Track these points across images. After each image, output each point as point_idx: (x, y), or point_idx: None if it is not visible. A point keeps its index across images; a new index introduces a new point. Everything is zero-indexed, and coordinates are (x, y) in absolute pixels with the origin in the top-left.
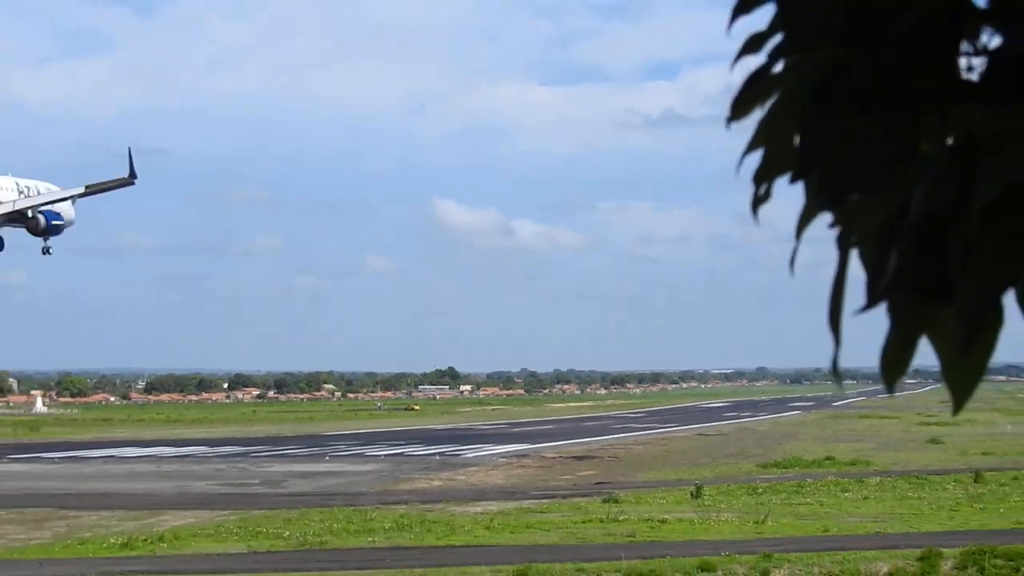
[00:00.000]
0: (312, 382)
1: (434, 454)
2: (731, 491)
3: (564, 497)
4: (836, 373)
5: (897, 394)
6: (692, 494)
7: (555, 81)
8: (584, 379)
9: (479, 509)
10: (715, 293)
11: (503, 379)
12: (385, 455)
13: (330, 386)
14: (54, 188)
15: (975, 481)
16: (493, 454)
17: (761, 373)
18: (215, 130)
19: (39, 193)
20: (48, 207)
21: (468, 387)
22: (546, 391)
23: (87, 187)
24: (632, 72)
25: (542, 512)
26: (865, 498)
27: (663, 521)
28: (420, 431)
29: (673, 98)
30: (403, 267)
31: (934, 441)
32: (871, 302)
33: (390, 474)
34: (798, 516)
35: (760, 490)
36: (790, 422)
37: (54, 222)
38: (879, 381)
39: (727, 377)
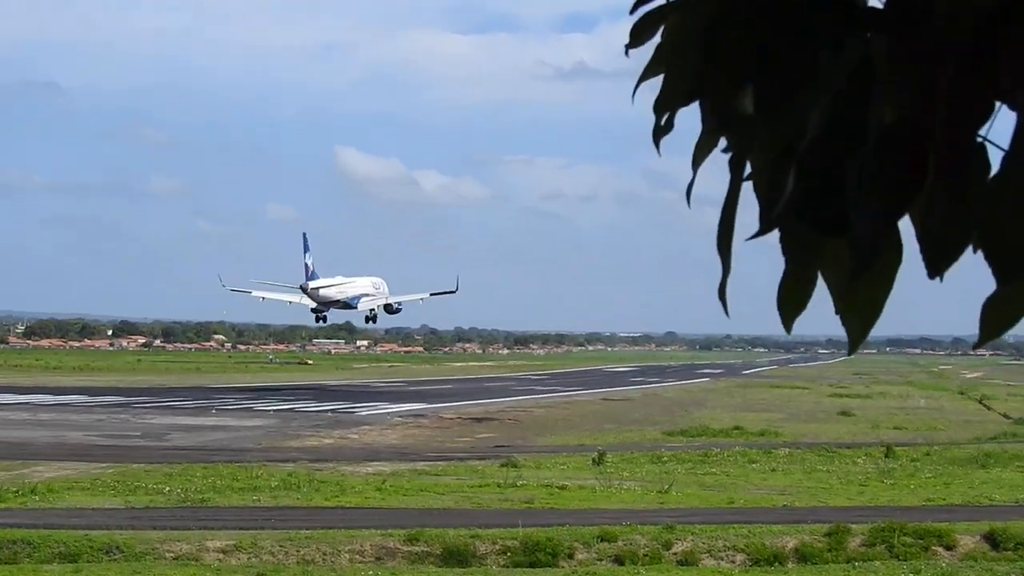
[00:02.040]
0: (201, 332)
1: (326, 411)
2: (635, 459)
3: (461, 460)
4: (723, 300)
5: (809, 363)
6: (594, 461)
7: (468, 29)
8: (486, 338)
9: (371, 470)
10: (623, 254)
11: (402, 335)
12: (275, 410)
13: (220, 337)
14: None
15: (886, 456)
16: (388, 413)
17: (670, 338)
18: (112, 67)
19: None
20: None
21: (365, 342)
22: (446, 349)
23: None
24: (546, 23)
25: (437, 475)
26: (773, 470)
27: (563, 488)
28: (313, 387)
29: (587, 51)
30: (305, 216)
31: (845, 413)
32: (764, 228)
33: (279, 431)
34: (703, 487)
35: (665, 459)
36: (698, 389)
37: None
38: (793, 350)
39: (635, 341)
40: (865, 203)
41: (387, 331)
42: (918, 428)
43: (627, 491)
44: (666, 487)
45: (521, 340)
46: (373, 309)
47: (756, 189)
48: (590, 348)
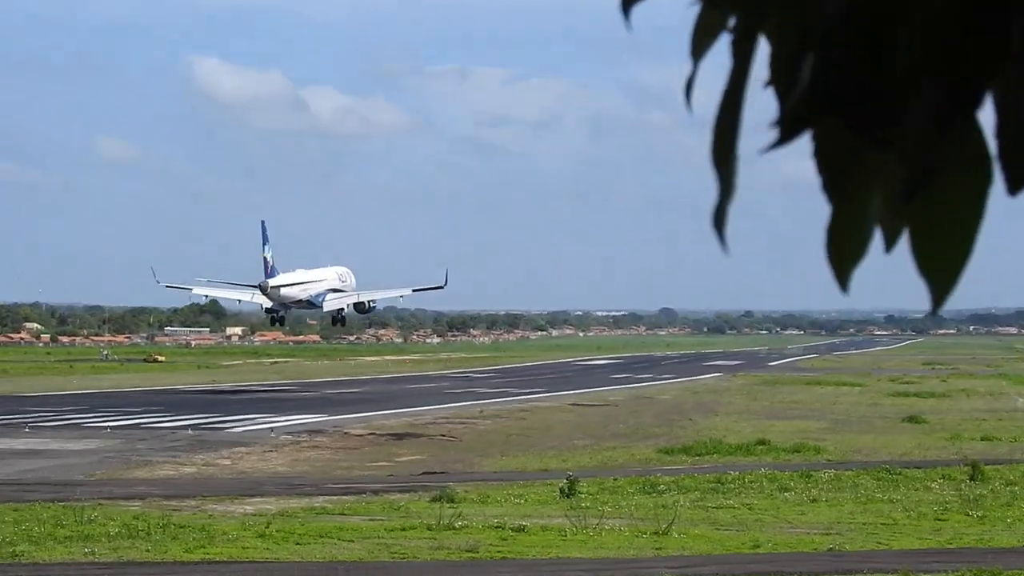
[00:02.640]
0: (8, 318)
1: (185, 427)
2: (619, 488)
3: (376, 493)
4: (720, 230)
5: (862, 349)
6: (563, 491)
7: None
8: (408, 321)
9: (250, 508)
10: (599, 201)
11: (291, 320)
12: (113, 427)
13: (34, 325)
14: None
15: (971, 479)
16: (273, 428)
17: (666, 317)
18: None
19: None
20: None
21: (238, 329)
22: (353, 337)
23: None
24: None
25: (343, 514)
26: (813, 501)
27: (520, 530)
28: (166, 392)
29: None
30: (148, 154)
31: (913, 420)
32: (785, 134)
33: (120, 456)
34: (716, 525)
35: (662, 487)
36: (707, 389)
37: None
38: (838, 331)
39: (616, 322)
40: (920, 91)
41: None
42: (1016, 439)
43: (610, 533)
44: (664, 527)
45: (457, 324)
46: (342, 309)
47: (773, 79)
48: (555, 333)
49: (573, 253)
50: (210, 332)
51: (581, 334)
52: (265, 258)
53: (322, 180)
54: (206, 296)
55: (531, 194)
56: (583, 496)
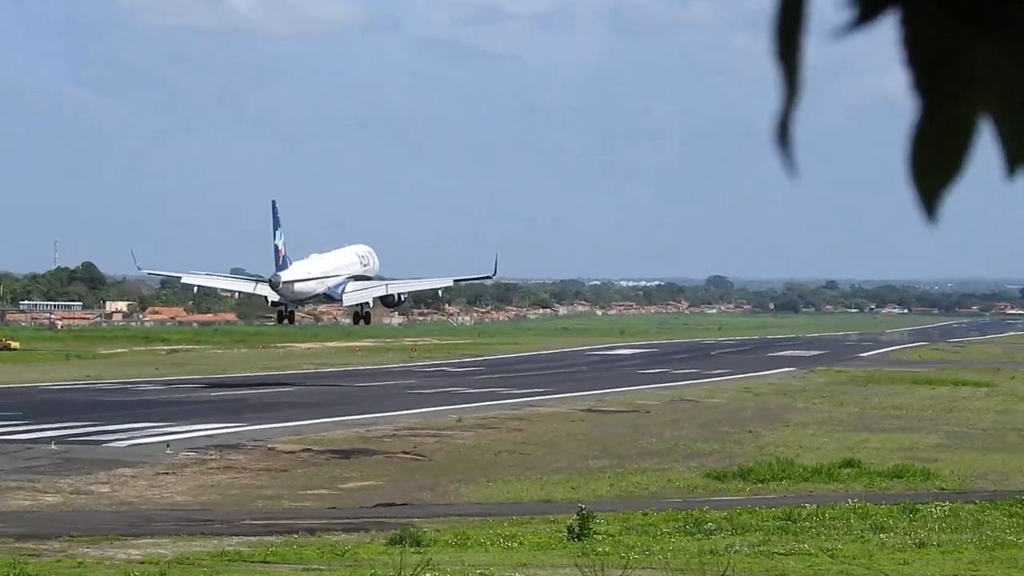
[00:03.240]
0: None
1: (47, 439)
2: (651, 526)
3: (312, 532)
4: (785, 143)
5: (989, 335)
6: (572, 530)
7: None
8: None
9: (137, 554)
10: (622, 128)
11: (200, 294)
12: None
13: None
14: None
15: None
16: (169, 442)
17: (717, 288)
18: None
19: None
20: None
21: (122, 304)
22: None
23: None
24: None
25: (266, 562)
26: (920, 545)
27: None
28: (21, 392)
29: None
30: None
31: None
32: (866, 11)
33: None
34: None
35: (710, 525)
36: (773, 390)
37: None
38: (954, 309)
39: (647, 296)
40: None
41: (164, 283)
42: None
43: None
44: None
45: (427, 297)
46: (366, 303)
47: None
48: (562, 311)
49: (587, 201)
50: (84, 308)
51: (599, 312)
52: (276, 246)
53: (243, 100)
54: (196, 287)
55: (528, 118)
56: (600, 538)
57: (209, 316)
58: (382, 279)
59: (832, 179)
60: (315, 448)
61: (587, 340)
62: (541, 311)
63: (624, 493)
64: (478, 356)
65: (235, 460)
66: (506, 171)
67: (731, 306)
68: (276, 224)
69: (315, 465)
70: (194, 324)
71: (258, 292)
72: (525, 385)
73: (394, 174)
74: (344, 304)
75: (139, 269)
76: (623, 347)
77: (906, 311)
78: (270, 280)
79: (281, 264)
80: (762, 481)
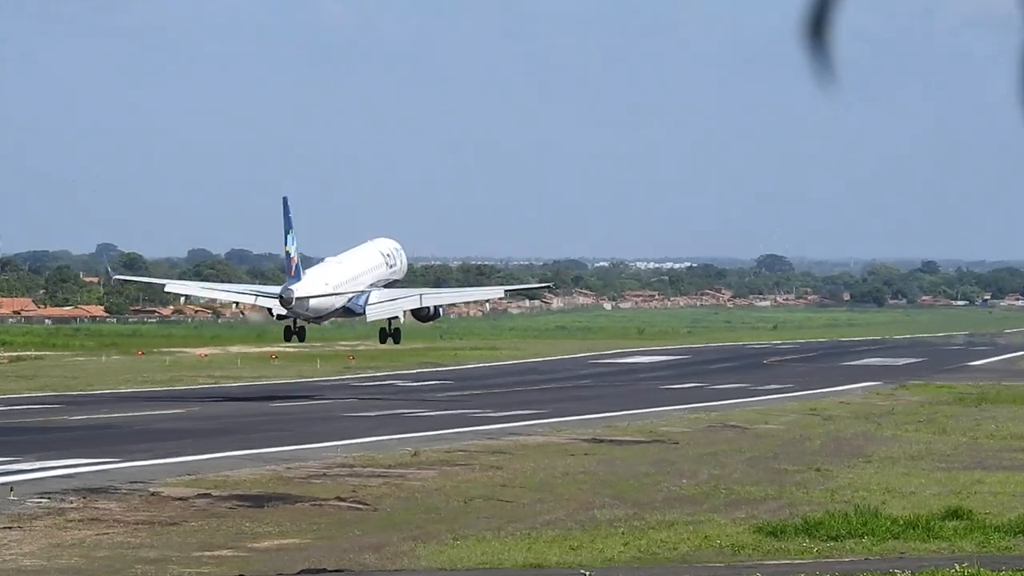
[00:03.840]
0: None
1: None
2: None
3: None
4: (819, 36)
5: None
6: None
7: None
8: (280, 279)
9: None
10: (637, 54)
11: (53, 275)
12: None
13: None
14: None
15: None
16: (12, 485)
17: (771, 273)
18: None
19: None
20: None
21: None
22: (169, 311)
23: None
24: None
25: None
26: None
27: None
28: None
29: None
30: None
31: None
32: None
33: None
34: None
35: None
36: (850, 412)
37: None
38: None
39: (674, 283)
40: None
41: (6, 265)
42: None
43: None
44: None
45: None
46: (395, 319)
47: None
48: (557, 303)
49: (592, 149)
50: None
51: (607, 305)
52: (288, 252)
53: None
54: (184, 298)
55: (514, 36)
56: None
57: (68, 310)
58: (412, 287)
59: (931, 120)
60: (215, 493)
61: (591, 344)
62: (528, 304)
63: (644, 555)
64: (440, 366)
65: (104, 510)
66: (479, 105)
67: (790, 297)
68: (288, 226)
69: (215, 516)
70: (47, 321)
71: (260, 304)
72: (506, 406)
73: (337, 132)
74: (368, 319)
75: (114, 279)
76: (641, 353)
77: None
78: (280, 294)
79: (294, 274)
80: (835, 538)
